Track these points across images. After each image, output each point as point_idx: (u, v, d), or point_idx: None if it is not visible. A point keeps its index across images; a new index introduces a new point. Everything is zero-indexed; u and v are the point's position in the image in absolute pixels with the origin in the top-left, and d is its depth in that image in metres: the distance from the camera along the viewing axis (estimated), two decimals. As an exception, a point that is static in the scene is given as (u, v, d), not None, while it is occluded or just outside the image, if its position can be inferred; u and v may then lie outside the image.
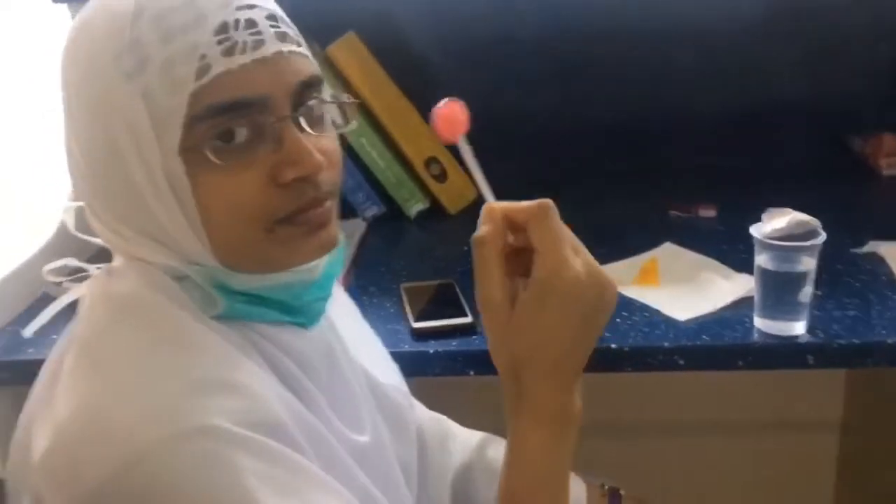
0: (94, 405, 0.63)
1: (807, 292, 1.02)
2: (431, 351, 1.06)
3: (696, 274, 1.21)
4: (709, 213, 1.45)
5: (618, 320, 1.09)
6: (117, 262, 0.73)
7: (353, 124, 0.76)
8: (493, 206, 0.72)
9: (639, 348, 1.05)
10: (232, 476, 0.60)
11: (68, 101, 0.68)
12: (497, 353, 0.72)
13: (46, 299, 0.81)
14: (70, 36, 0.69)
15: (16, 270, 1.18)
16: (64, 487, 0.62)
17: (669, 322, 1.09)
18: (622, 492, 1.00)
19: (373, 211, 1.51)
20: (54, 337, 0.75)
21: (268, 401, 0.65)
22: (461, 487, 0.97)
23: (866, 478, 1.68)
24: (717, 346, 1.05)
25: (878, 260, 1.23)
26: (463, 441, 1.01)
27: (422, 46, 1.61)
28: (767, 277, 1.03)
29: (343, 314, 0.85)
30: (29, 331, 0.84)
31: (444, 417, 1.03)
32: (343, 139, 0.73)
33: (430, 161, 1.51)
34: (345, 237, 0.76)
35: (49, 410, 0.65)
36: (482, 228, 0.71)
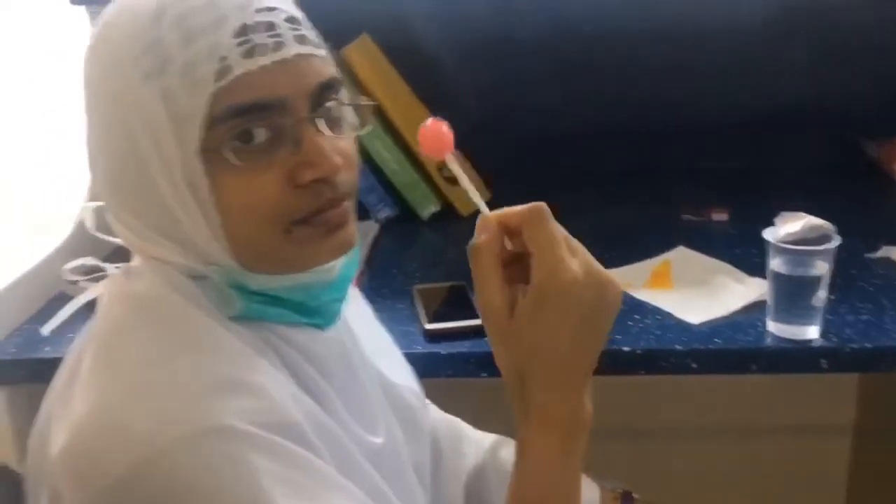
0: (111, 404, 0.64)
1: (820, 297, 1.02)
2: (444, 352, 1.06)
3: (708, 277, 1.21)
4: (721, 216, 1.45)
5: (630, 323, 1.09)
6: (135, 261, 0.74)
7: (370, 127, 0.76)
8: (488, 215, 0.71)
9: (651, 351, 1.05)
10: (247, 476, 0.61)
11: (89, 100, 0.69)
12: (500, 359, 0.71)
13: (62, 298, 0.82)
14: (93, 35, 0.69)
15: (33, 269, 1.18)
16: (82, 483, 0.62)
17: (682, 325, 1.09)
18: (635, 495, 1.00)
19: (386, 213, 1.52)
20: (71, 336, 0.76)
21: (283, 402, 0.66)
22: (475, 489, 0.98)
23: (879, 482, 1.68)
24: (730, 350, 1.04)
25: (891, 265, 1.23)
26: (476, 443, 1.01)
27: (434, 47, 1.61)
28: (781, 281, 1.03)
29: (358, 315, 0.86)
30: (47, 329, 0.84)
31: (458, 419, 1.03)
32: (356, 141, 0.74)
33: (443, 163, 1.51)
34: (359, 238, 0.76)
35: (67, 408, 0.66)
36: (477, 237, 0.70)
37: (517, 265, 0.70)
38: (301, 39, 0.67)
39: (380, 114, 1.47)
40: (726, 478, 1.70)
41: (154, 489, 0.60)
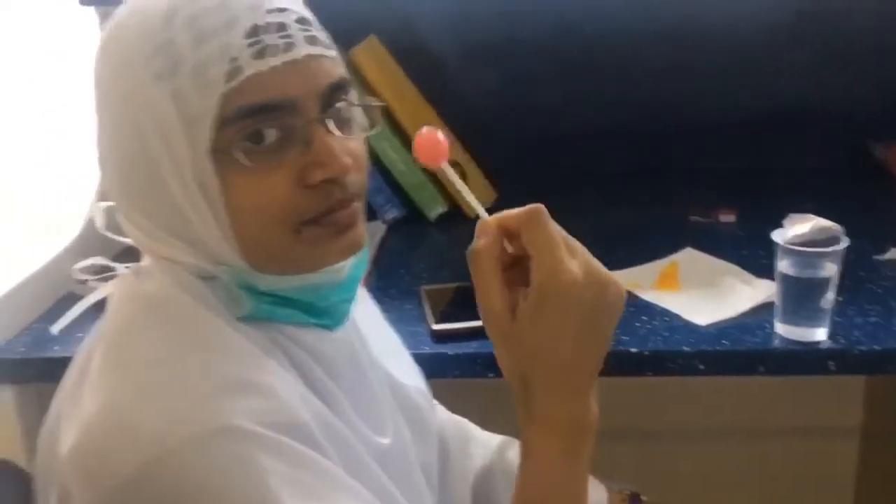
0: (120, 404, 0.64)
1: (828, 298, 1.02)
2: (451, 353, 1.07)
3: (716, 279, 1.21)
4: (729, 218, 1.45)
5: (637, 324, 1.09)
6: (145, 261, 0.74)
7: (379, 128, 0.76)
8: (487, 220, 0.71)
9: (659, 353, 1.05)
10: (254, 477, 0.61)
11: (100, 100, 0.69)
12: (503, 362, 0.71)
13: (71, 298, 0.82)
14: (104, 35, 0.69)
15: (42, 268, 1.19)
16: (91, 483, 0.62)
17: (690, 327, 1.09)
18: (643, 497, 1.00)
19: (393, 213, 1.52)
20: (80, 335, 0.76)
21: (291, 402, 0.66)
22: (482, 490, 0.97)
23: (886, 485, 1.67)
24: (738, 352, 1.04)
25: (900, 267, 1.23)
26: (483, 443, 1.01)
27: (441, 48, 1.61)
28: (789, 283, 1.03)
29: (366, 316, 0.86)
30: (56, 328, 0.85)
31: (465, 420, 1.03)
32: (366, 142, 0.74)
33: (450, 164, 1.51)
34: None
35: (77, 408, 0.66)
36: (476, 242, 0.70)
37: (518, 268, 0.70)
38: (311, 40, 0.67)
39: (387, 115, 1.47)
40: (733, 479, 1.69)
41: (163, 489, 0.60)
